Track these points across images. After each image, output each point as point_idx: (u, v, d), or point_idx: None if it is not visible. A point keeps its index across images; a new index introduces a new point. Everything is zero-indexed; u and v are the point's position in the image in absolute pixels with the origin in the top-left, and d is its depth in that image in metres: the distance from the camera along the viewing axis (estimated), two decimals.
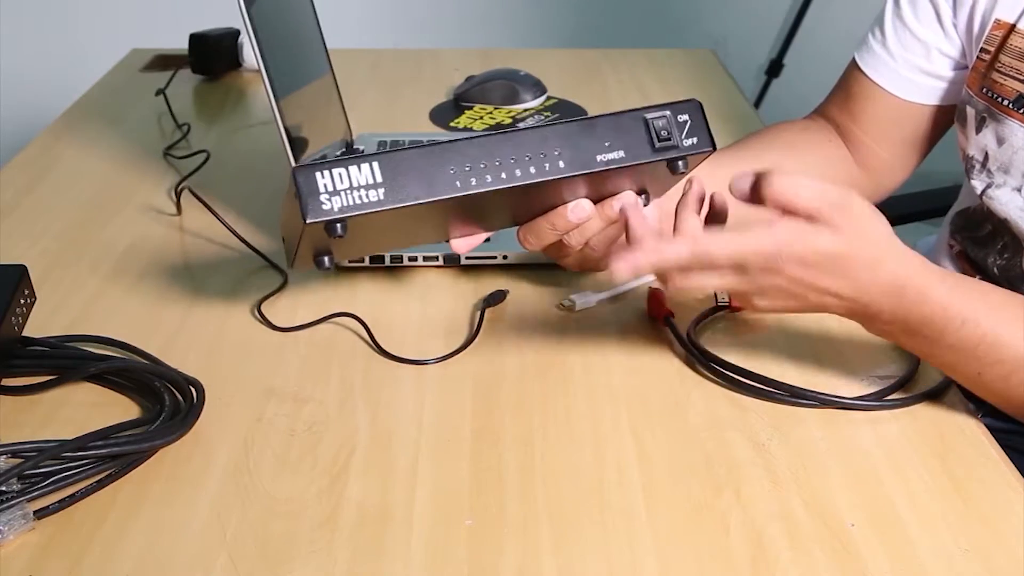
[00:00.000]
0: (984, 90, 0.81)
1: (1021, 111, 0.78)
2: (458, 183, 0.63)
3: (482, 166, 0.64)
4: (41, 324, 0.78)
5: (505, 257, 0.87)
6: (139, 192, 1.02)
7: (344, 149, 1.07)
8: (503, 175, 0.64)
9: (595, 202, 0.70)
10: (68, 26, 2.38)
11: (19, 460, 0.60)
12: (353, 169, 0.62)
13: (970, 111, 0.83)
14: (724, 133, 1.10)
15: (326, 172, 0.61)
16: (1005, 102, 0.78)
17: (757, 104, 2.38)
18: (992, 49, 0.80)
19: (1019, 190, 0.79)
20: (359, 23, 2.26)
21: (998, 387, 0.66)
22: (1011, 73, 0.78)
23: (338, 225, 0.61)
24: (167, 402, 0.67)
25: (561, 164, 0.65)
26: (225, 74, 1.38)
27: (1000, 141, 0.80)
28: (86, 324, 0.78)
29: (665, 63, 1.47)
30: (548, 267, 0.87)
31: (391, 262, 0.87)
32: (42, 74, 2.37)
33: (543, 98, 1.29)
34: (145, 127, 1.20)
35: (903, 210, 1.31)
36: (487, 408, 0.69)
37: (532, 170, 0.64)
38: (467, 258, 0.87)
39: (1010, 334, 0.64)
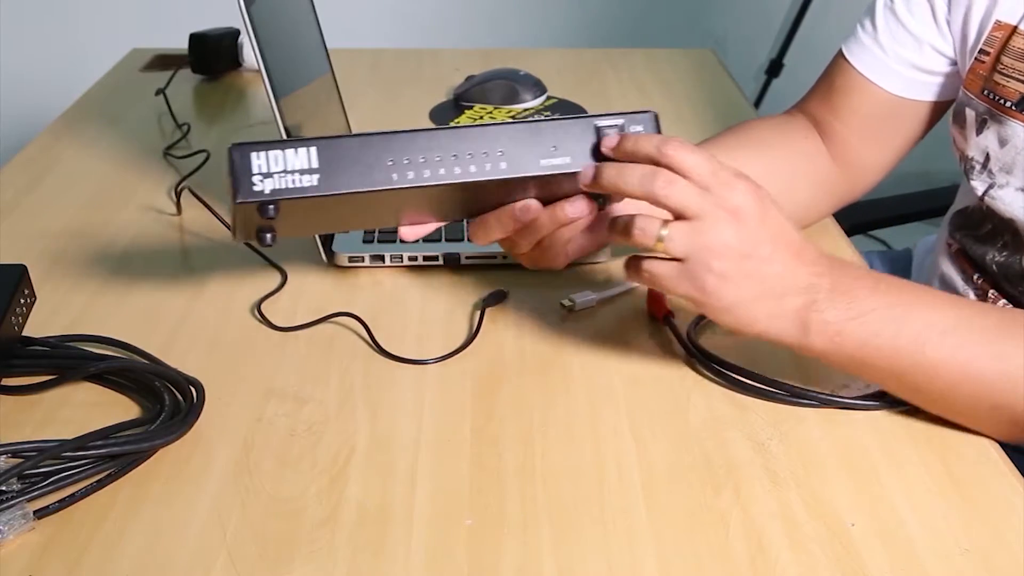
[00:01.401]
0: (985, 92, 0.80)
1: None
2: (395, 176, 0.63)
3: (421, 160, 0.63)
4: (41, 324, 0.78)
5: (505, 257, 0.87)
6: (139, 192, 1.02)
7: None
8: (441, 171, 0.63)
9: (547, 203, 0.69)
10: (68, 26, 2.38)
11: (19, 460, 0.60)
12: (290, 152, 0.61)
13: (969, 113, 0.82)
14: None
15: (262, 153, 0.61)
16: (1008, 104, 0.78)
17: (757, 104, 2.38)
18: (992, 51, 0.79)
19: (1023, 190, 0.79)
20: (359, 23, 2.26)
21: (940, 355, 0.64)
22: (1014, 75, 0.78)
23: (270, 207, 0.61)
24: (167, 402, 0.67)
25: (503, 165, 0.64)
26: (225, 74, 1.38)
27: (1002, 142, 0.79)
28: (86, 324, 0.78)
29: (665, 63, 1.47)
30: None
31: (391, 262, 0.87)
32: (42, 74, 2.37)
33: (543, 98, 1.29)
34: (145, 127, 1.20)
35: (903, 210, 1.32)
36: (487, 408, 0.69)
37: (472, 168, 0.64)
38: (467, 258, 0.87)
39: (938, 298, 0.66)
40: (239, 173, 0.60)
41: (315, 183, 0.62)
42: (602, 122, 0.65)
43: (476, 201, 0.70)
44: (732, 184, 0.62)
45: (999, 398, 0.63)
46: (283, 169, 0.61)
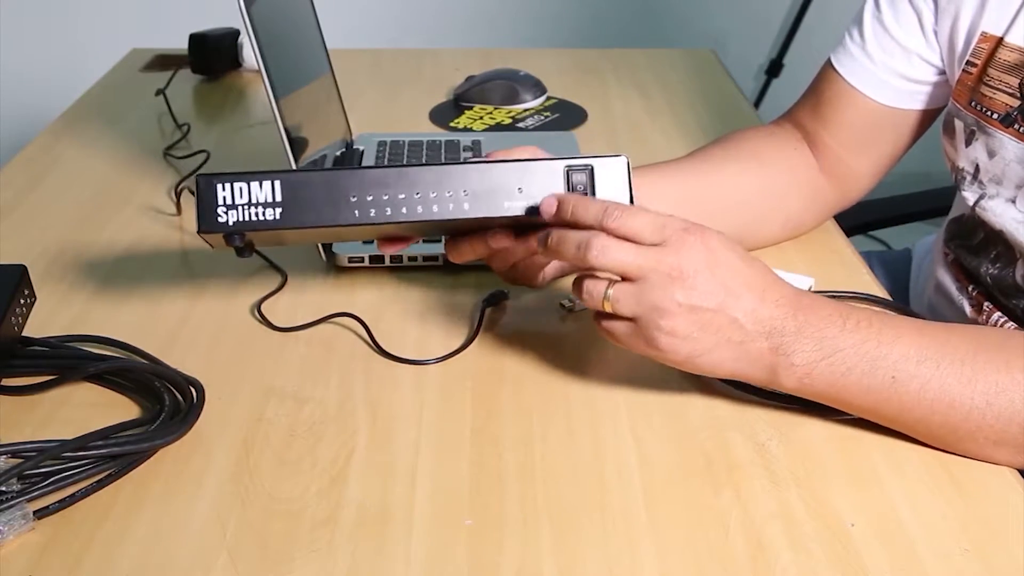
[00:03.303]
0: (973, 103, 0.79)
1: (1010, 127, 0.77)
2: (356, 212, 0.63)
3: (384, 198, 0.64)
4: (41, 324, 0.78)
5: None
6: (139, 192, 1.02)
7: (344, 149, 1.07)
8: (403, 210, 0.64)
9: (522, 231, 0.69)
10: (68, 26, 2.38)
11: (19, 460, 0.60)
12: (254, 185, 0.63)
13: (959, 124, 0.81)
14: (723, 134, 1.10)
15: (226, 185, 0.62)
16: (994, 116, 0.77)
17: (757, 104, 2.38)
18: (979, 63, 0.79)
19: (1013, 201, 0.78)
20: (359, 23, 2.26)
21: (912, 388, 0.63)
22: (999, 87, 0.77)
23: (236, 237, 0.63)
24: (167, 402, 0.67)
25: (466, 206, 0.65)
26: (225, 74, 1.38)
27: (991, 154, 0.79)
28: (86, 324, 0.78)
29: (665, 63, 1.47)
30: None
31: (391, 262, 0.87)
32: (42, 74, 2.37)
33: (543, 98, 1.29)
34: (145, 127, 1.20)
35: (903, 210, 1.31)
36: (487, 408, 0.69)
37: (435, 208, 0.64)
38: None
39: (904, 326, 0.64)
40: (204, 204, 0.62)
41: (277, 216, 0.63)
42: (572, 164, 0.65)
43: (447, 229, 0.71)
44: (679, 241, 0.62)
45: (976, 422, 0.62)
46: (247, 202, 0.63)
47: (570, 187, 0.66)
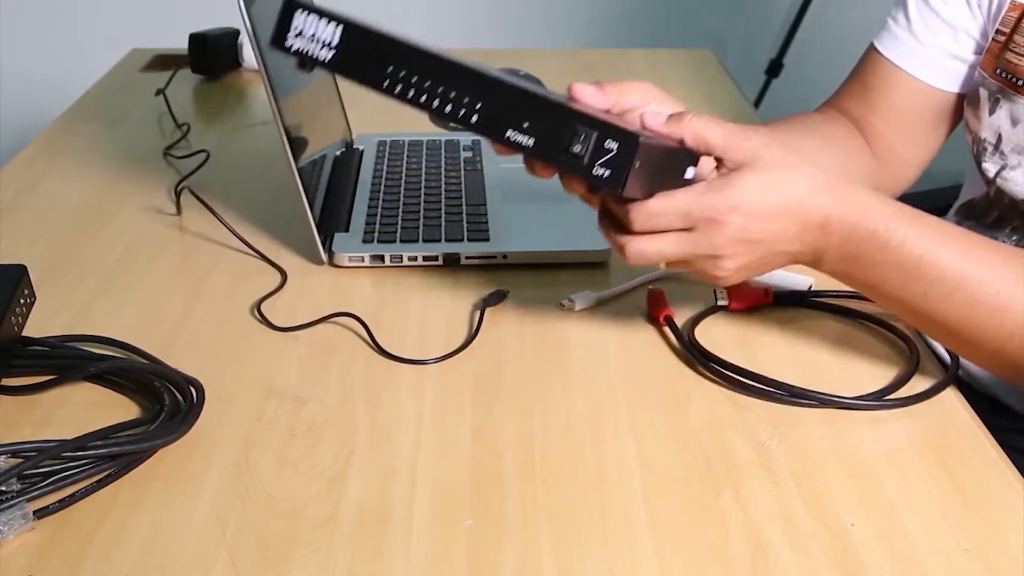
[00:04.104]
0: (998, 71, 0.81)
1: None
2: (386, 83, 0.64)
3: (413, 80, 0.64)
4: (41, 324, 0.78)
5: (505, 257, 0.87)
6: (139, 192, 1.02)
7: (344, 149, 1.07)
8: (423, 98, 0.64)
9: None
10: (68, 26, 2.38)
11: (19, 460, 0.60)
12: (323, 23, 0.65)
13: (983, 92, 0.83)
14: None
15: (302, 14, 0.65)
16: (1019, 82, 0.79)
17: (757, 104, 2.38)
18: (1007, 30, 0.80)
19: None
20: None
21: (943, 308, 0.66)
22: None
23: (295, 58, 0.65)
24: (167, 402, 0.67)
25: (474, 119, 0.64)
26: (225, 74, 1.38)
27: (1014, 121, 0.80)
28: (86, 324, 0.78)
29: (665, 63, 1.47)
30: (548, 267, 0.87)
31: (391, 262, 0.87)
32: (42, 74, 2.37)
33: None
34: (145, 127, 1.20)
35: None
36: (487, 408, 0.69)
37: (448, 109, 0.64)
38: (467, 258, 0.87)
39: (946, 251, 0.65)
40: (280, 23, 0.66)
41: (328, 59, 0.65)
42: (582, 122, 0.62)
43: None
44: (707, 226, 0.64)
45: (999, 345, 0.66)
46: (312, 34, 0.66)
47: (571, 141, 0.63)
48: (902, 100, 0.88)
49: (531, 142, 0.63)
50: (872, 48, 0.90)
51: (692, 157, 0.66)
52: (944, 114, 0.89)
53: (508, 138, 0.63)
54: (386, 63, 0.65)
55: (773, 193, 0.64)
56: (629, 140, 0.61)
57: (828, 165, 0.84)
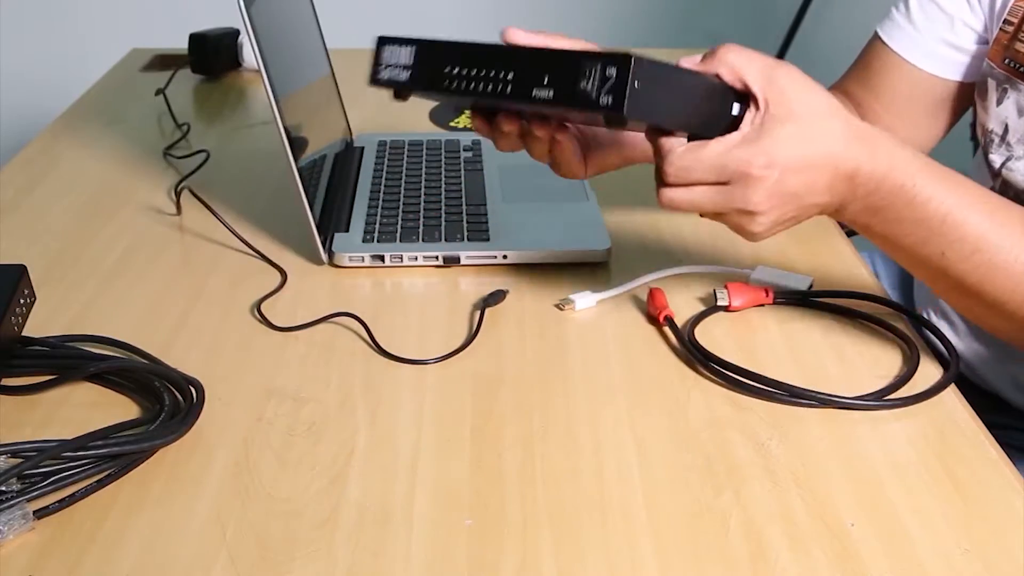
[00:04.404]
0: (1007, 61, 0.82)
1: None
2: (445, 83, 0.69)
3: (463, 72, 0.69)
4: (41, 324, 0.78)
5: (505, 257, 0.87)
6: (139, 192, 1.02)
7: (344, 149, 1.07)
8: (472, 86, 0.67)
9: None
10: (68, 26, 2.38)
11: (19, 460, 0.60)
12: (401, 49, 0.73)
13: (991, 83, 0.84)
14: None
15: (389, 47, 0.73)
16: (1022, 69, 0.79)
17: None
18: (1016, 20, 0.81)
19: None
20: (359, 23, 2.26)
21: (960, 269, 0.67)
22: None
23: (394, 86, 0.73)
24: (167, 402, 0.67)
25: (508, 90, 0.66)
26: (225, 74, 1.38)
27: (1021, 112, 0.81)
28: (86, 324, 0.78)
29: None
30: (548, 267, 0.87)
31: (391, 262, 0.87)
32: (42, 74, 2.37)
33: None
34: (145, 127, 1.20)
35: None
36: (487, 408, 0.69)
37: (495, 86, 0.67)
38: (467, 258, 0.87)
39: (970, 213, 0.65)
40: (374, 61, 0.74)
41: (406, 78, 0.72)
42: (584, 62, 0.63)
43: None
44: (743, 180, 0.63)
45: (1012, 309, 0.67)
46: (394, 63, 0.73)
47: (580, 77, 0.64)
48: (900, 86, 0.91)
49: (551, 93, 0.64)
50: (875, 34, 0.93)
51: (736, 93, 0.65)
52: (944, 102, 0.91)
53: (535, 96, 0.65)
54: (443, 65, 0.70)
55: (809, 145, 0.63)
56: (624, 61, 0.61)
57: None
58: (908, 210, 0.65)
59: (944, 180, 0.65)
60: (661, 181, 0.64)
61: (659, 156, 0.64)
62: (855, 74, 0.95)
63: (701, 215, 0.65)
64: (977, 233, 0.65)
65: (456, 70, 0.69)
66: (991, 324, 0.73)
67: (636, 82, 0.60)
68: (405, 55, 0.72)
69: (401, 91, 0.73)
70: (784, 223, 0.66)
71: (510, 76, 0.66)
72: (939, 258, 0.66)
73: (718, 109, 0.65)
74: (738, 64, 0.63)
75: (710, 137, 0.64)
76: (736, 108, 0.65)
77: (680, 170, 0.63)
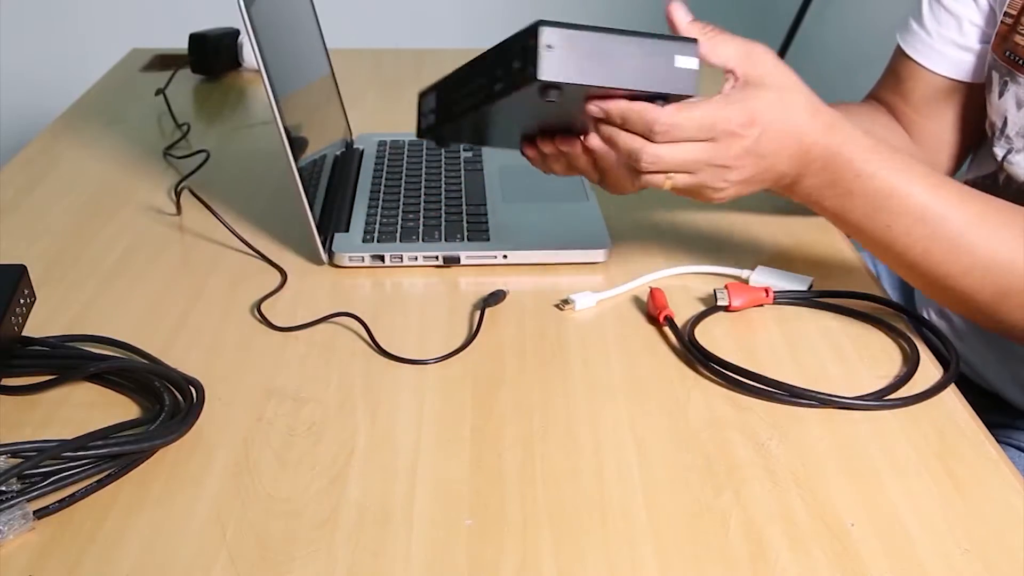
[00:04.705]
0: (1007, 53, 0.82)
1: None
2: (456, 116, 0.74)
3: (452, 98, 0.75)
4: (41, 324, 0.78)
5: (505, 257, 0.87)
6: (139, 192, 1.02)
7: (344, 149, 1.07)
8: (476, 99, 0.71)
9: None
10: (68, 26, 2.38)
11: (19, 460, 0.60)
12: (430, 96, 0.78)
13: (995, 75, 0.85)
14: None
15: (427, 96, 0.79)
16: (1021, 61, 0.80)
17: None
18: (1015, 12, 0.82)
19: None
20: (359, 23, 2.26)
21: (904, 241, 0.70)
22: None
23: (431, 133, 0.79)
24: (167, 402, 0.67)
25: (485, 95, 0.70)
26: (225, 74, 1.38)
27: (1019, 104, 0.82)
28: (86, 324, 0.78)
29: None
30: (548, 267, 0.87)
31: (391, 262, 0.87)
32: (42, 74, 2.37)
33: None
34: (145, 127, 1.20)
35: None
36: (487, 408, 0.69)
37: (475, 97, 0.71)
38: (467, 258, 0.87)
39: (914, 188, 0.69)
40: (418, 113, 0.79)
41: (433, 122, 0.77)
42: (514, 44, 0.66)
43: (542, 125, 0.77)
44: (728, 139, 0.67)
45: (954, 282, 0.70)
46: (427, 110, 0.78)
47: (515, 59, 0.66)
48: (926, 92, 0.92)
49: (503, 85, 0.67)
50: (897, 44, 0.95)
51: (684, 47, 0.67)
52: (962, 104, 0.92)
53: (497, 90, 0.68)
54: (450, 94, 0.75)
55: (784, 111, 0.68)
56: (532, 28, 0.64)
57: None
58: (856, 183, 0.69)
59: (891, 158, 0.69)
60: (646, 141, 0.67)
61: (639, 120, 0.67)
62: (886, 82, 0.97)
63: (672, 188, 0.69)
64: (919, 205, 0.69)
65: (456, 94, 0.72)
66: (940, 297, 0.75)
67: (548, 44, 0.63)
68: (432, 100, 0.77)
69: (438, 136, 0.78)
70: (745, 184, 0.70)
71: (484, 81, 0.68)
72: (885, 231, 0.70)
73: (661, 65, 0.67)
74: (719, 42, 0.68)
75: (663, 98, 0.67)
76: (680, 60, 0.67)
77: (671, 127, 0.66)
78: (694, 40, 0.67)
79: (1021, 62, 0.81)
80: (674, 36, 0.68)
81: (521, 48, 0.65)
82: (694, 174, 0.68)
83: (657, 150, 0.67)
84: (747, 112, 0.67)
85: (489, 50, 0.69)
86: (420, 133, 0.78)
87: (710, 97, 0.67)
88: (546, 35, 0.64)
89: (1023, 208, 0.72)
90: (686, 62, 0.67)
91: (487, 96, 0.68)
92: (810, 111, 0.68)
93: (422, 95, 0.78)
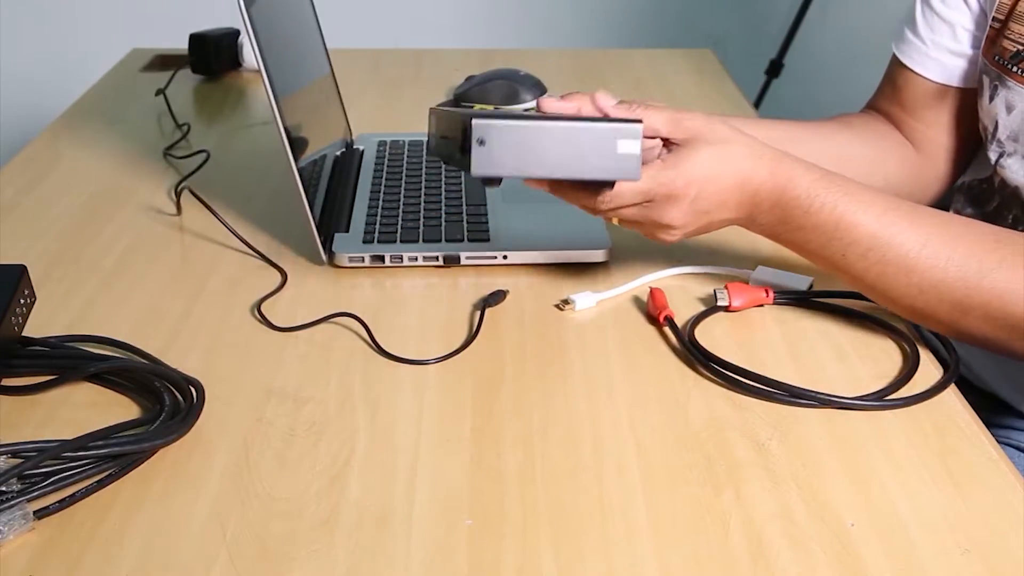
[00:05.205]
0: (995, 57, 0.83)
1: (1018, 64, 0.80)
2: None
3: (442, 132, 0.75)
4: (41, 324, 0.78)
5: (505, 257, 0.87)
6: (139, 192, 1.02)
7: (344, 149, 1.07)
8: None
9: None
10: (68, 26, 2.38)
11: (19, 460, 0.60)
12: (433, 122, 0.77)
13: (985, 80, 0.85)
14: None
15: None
16: (1013, 67, 0.81)
17: (757, 104, 2.38)
18: (1003, 17, 0.82)
19: None
20: (359, 23, 2.26)
21: (859, 267, 0.72)
22: (1015, 37, 0.81)
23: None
24: (167, 402, 0.67)
25: (452, 156, 0.71)
26: (225, 74, 1.38)
27: (1009, 108, 0.82)
28: (86, 324, 0.78)
29: (665, 63, 1.47)
30: (548, 267, 0.87)
31: (391, 262, 0.87)
32: (42, 74, 2.37)
33: None
34: (145, 127, 1.20)
35: None
36: (487, 408, 0.69)
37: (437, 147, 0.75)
38: (467, 258, 0.87)
39: (862, 215, 0.71)
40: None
41: (433, 145, 0.76)
42: (463, 127, 0.66)
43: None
44: (663, 203, 0.71)
45: (911, 301, 0.72)
46: (432, 131, 0.78)
47: (465, 142, 0.66)
48: (924, 100, 0.92)
49: (458, 162, 0.69)
50: (893, 52, 0.95)
51: (626, 130, 0.66)
52: (958, 110, 0.92)
53: (457, 159, 0.69)
54: (441, 133, 0.74)
55: (722, 165, 0.71)
56: (466, 122, 0.64)
57: (859, 157, 0.92)
58: (806, 218, 0.72)
59: (838, 188, 0.72)
60: (592, 209, 0.72)
61: (581, 198, 0.72)
62: (883, 92, 0.97)
63: (619, 222, 0.74)
64: (868, 232, 0.71)
65: (444, 136, 0.73)
66: (906, 315, 0.76)
67: (478, 140, 0.63)
68: (433, 124, 0.77)
69: (443, 158, 0.76)
70: (694, 233, 0.75)
71: (453, 141, 0.69)
72: (840, 259, 0.73)
73: (604, 151, 0.67)
74: (644, 115, 0.72)
75: (605, 184, 0.69)
76: (622, 146, 0.67)
77: (613, 197, 0.70)
78: (638, 121, 0.67)
79: (1009, 66, 0.81)
80: (615, 119, 0.69)
81: (463, 134, 0.65)
82: (642, 226, 0.74)
83: (603, 211, 0.72)
84: (683, 175, 0.70)
85: (463, 106, 0.70)
86: (429, 151, 0.79)
87: (649, 164, 0.70)
88: (478, 130, 0.63)
89: (977, 223, 0.73)
90: (628, 146, 0.67)
91: (455, 155, 0.70)
92: (751, 157, 0.72)
93: (431, 113, 0.79)
